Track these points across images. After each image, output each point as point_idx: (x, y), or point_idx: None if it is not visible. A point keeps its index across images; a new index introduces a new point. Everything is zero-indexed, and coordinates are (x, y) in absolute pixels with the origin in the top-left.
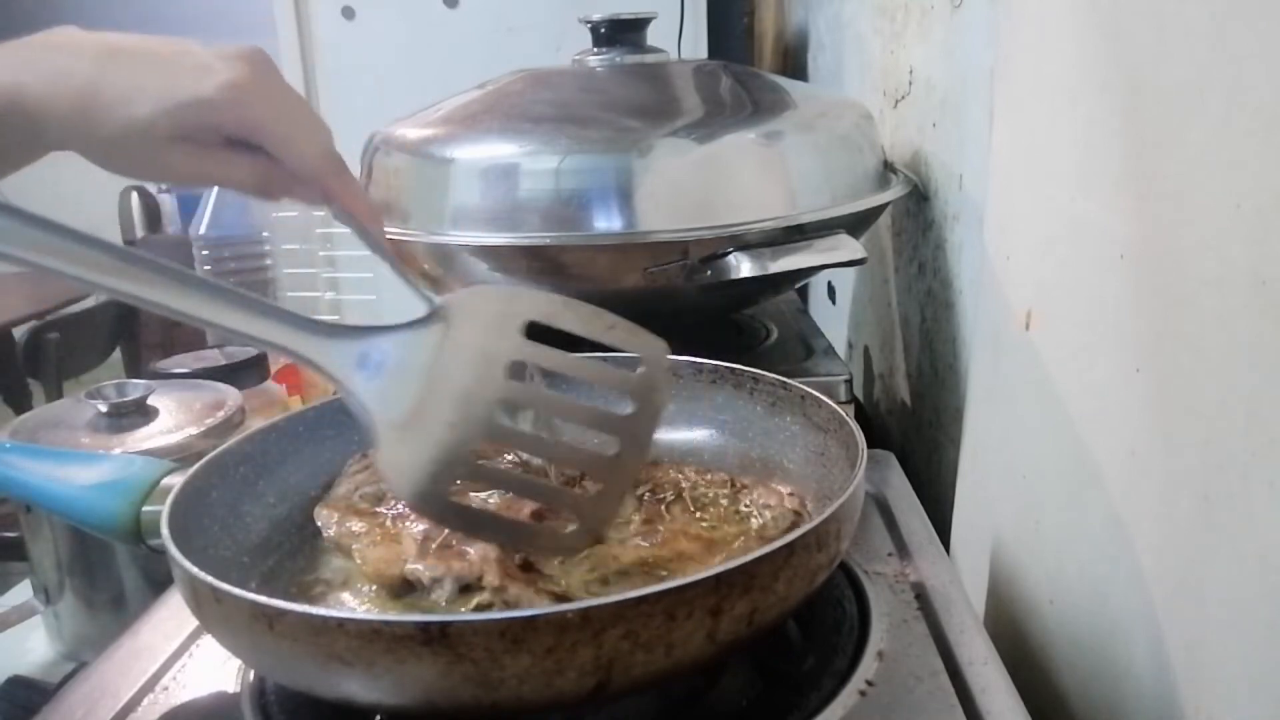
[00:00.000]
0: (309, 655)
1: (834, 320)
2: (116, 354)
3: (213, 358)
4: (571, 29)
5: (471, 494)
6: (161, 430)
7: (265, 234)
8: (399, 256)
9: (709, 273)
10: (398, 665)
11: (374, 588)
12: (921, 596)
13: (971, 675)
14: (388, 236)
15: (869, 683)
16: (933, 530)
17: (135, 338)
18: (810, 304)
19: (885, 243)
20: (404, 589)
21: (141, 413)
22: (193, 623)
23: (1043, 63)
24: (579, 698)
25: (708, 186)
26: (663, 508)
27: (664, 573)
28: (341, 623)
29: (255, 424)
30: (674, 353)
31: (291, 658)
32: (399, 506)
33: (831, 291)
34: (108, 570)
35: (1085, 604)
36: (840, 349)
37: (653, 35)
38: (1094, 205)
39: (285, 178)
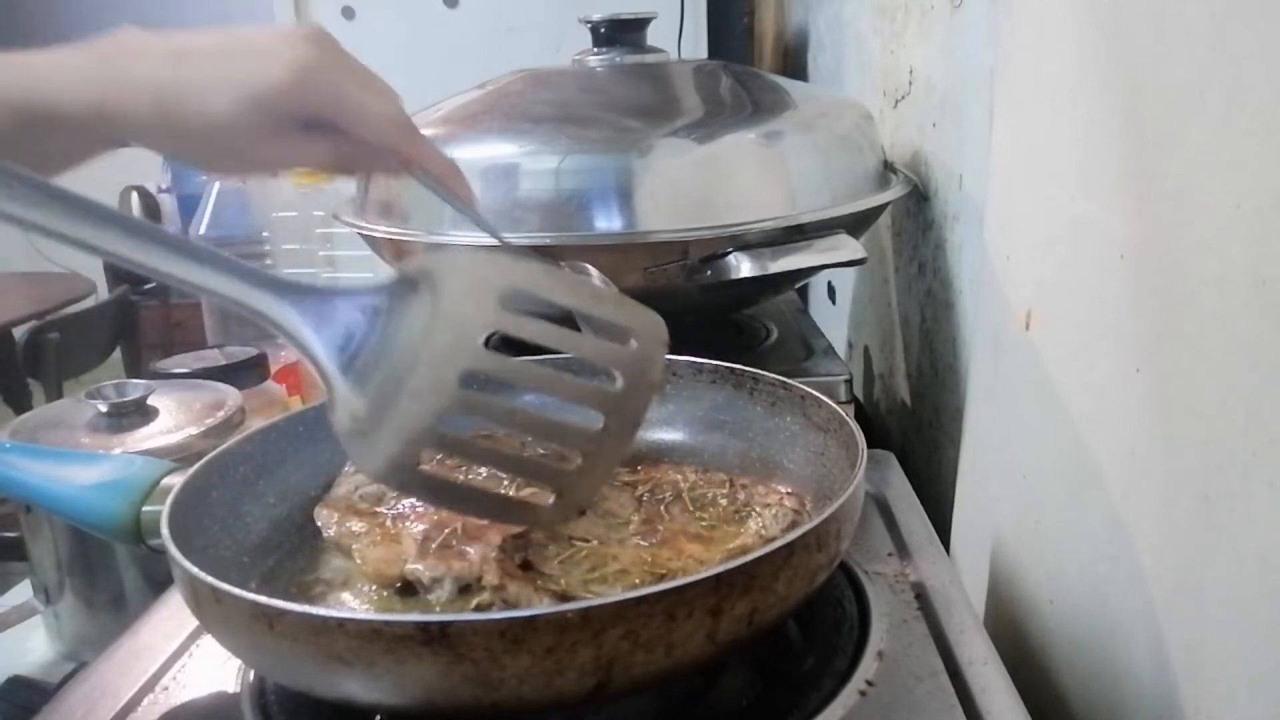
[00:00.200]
0: (309, 655)
1: (834, 320)
2: (116, 354)
3: (213, 358)
4: (571, 29)
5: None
6: (161, 430)
7: (265, 234)
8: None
9: (709, 273)
10: (398, 665)
11: (374, 588)
12: (921, 596)
13: (971, 675)
14: (388, 235)
15: (869, 683)
16: (933, 530)
17: (135, 338)
18: (810, 304)
19: (885, 243)
20: (404, 589)
21: (141, 413)
22: (193, 623)
23: (1043, 63)
24: (579, 698)
25: (708, 186)
26: (662, 508)
27: (663, 572)
28: (341, 623)
29: (255, 424)
30: (674, 353)
31: (291, 658)
32: (399, 506)
33: (831, 291)
34: (108, 570)
35: (1085, 604)
36: (840, 349)
37: (653, 35)
38: (1094, 205)
39: (363, 152)
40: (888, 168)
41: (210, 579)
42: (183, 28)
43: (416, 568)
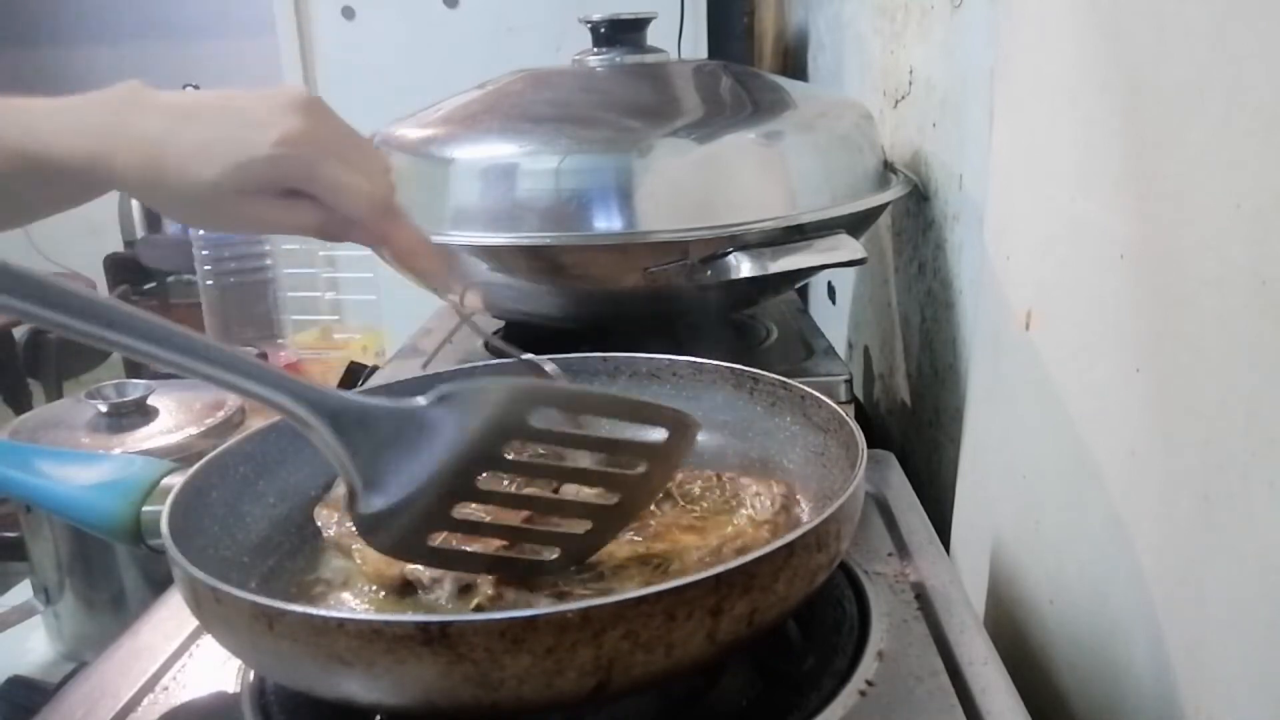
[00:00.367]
0: (309, 655)
1: (834, 320)
2: (116, 354)
3: None
4: (571, 29)
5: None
6: (161, 430)
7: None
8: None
9: (709, 273)
10: (398, 665)
11: (374, 588)
12: (921, 596)
13: (971, 675)
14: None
15: (869, 683)
16: (933, 530)
17: None
18: (810, 304)
19: (885, 243)
20: (404, 589)
21: (141, 413)
22: (193, 623)
23: (1043, 63)
24: (579, 698)
25: (708, 186)
26: (652, 504)
27: (658, 561)
28: (341, 623)
29: (255, 424)
30: (674, 352)
31: (291, 658)
32: None
33: (831, 291)
34: (108, 570)
35: (1085, 604)
36: (840, 349)
37: (653, 35)
38: (1094, 205)
39: (342, 222)
40: (888, 168)
41: (210, 579)
42: (184, 25)
43: (416, 568)
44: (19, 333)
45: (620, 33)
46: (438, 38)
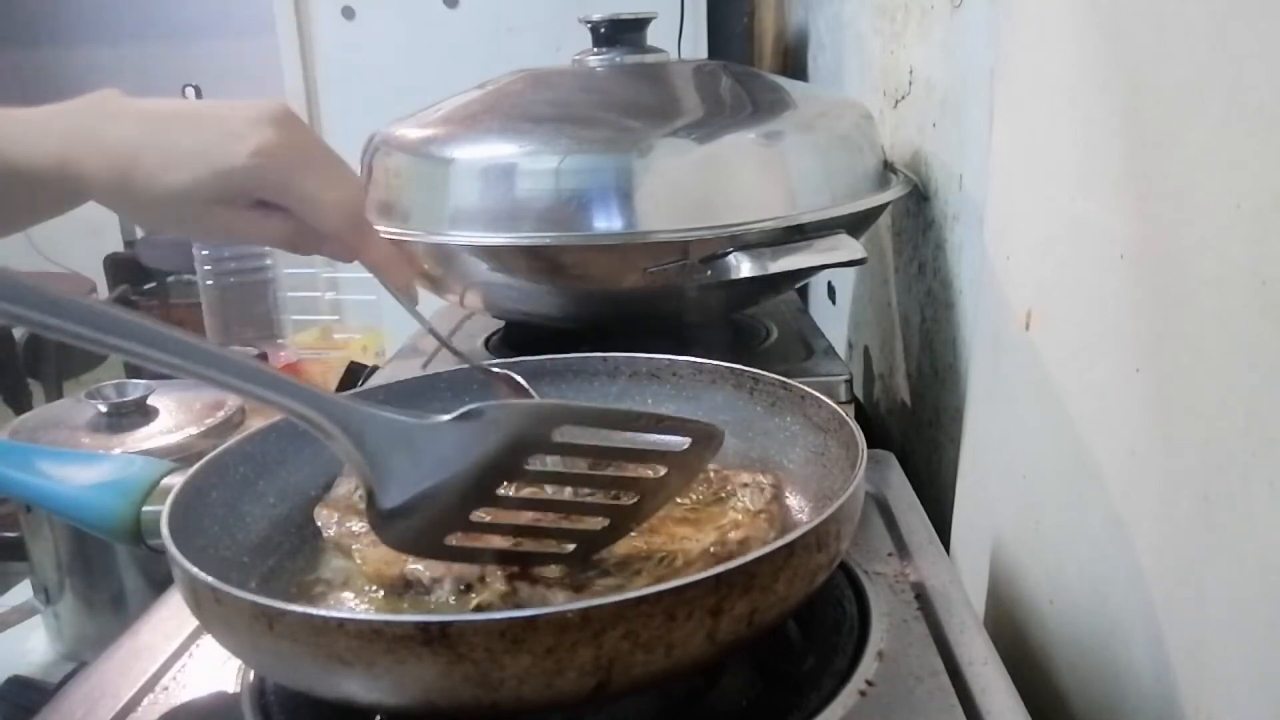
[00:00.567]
0: (309, 655)
1: (834, 320)
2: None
3: None
4: (571, 29)
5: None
6: (161, 430)
7: None
8: (403, 267)
9: (709, 273)
10: (398, 665)
11: (374, 588)
12: (921, 596)
13: (971, 675)
14: (388, 235)
15: (869, 683)
16: (933, 530)
17: None
18: (810, 304)
19: (885, 243)
20: (404, 589)
21: (141, 413)
22: (193, 623)
23: (1043, 63)
24: (579, 698)
25: (708, 186)
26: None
27: (663, 555)
28: (341, 623)
29: (255, 424)
30: (674, 352)
31: (291, 658)
32: None
33: (831, 291)
34: (108, 570)
35: (1085, 604)
36: (840, 349)
37: (653, 35)
38: (1094, 205)
39: (313, 234)
40: (888, 168)
41: (210, 579)
42: (184, 25)
43: (416, 568)
44: (19, 333)
45: (620, 33)
46: (438, 38)
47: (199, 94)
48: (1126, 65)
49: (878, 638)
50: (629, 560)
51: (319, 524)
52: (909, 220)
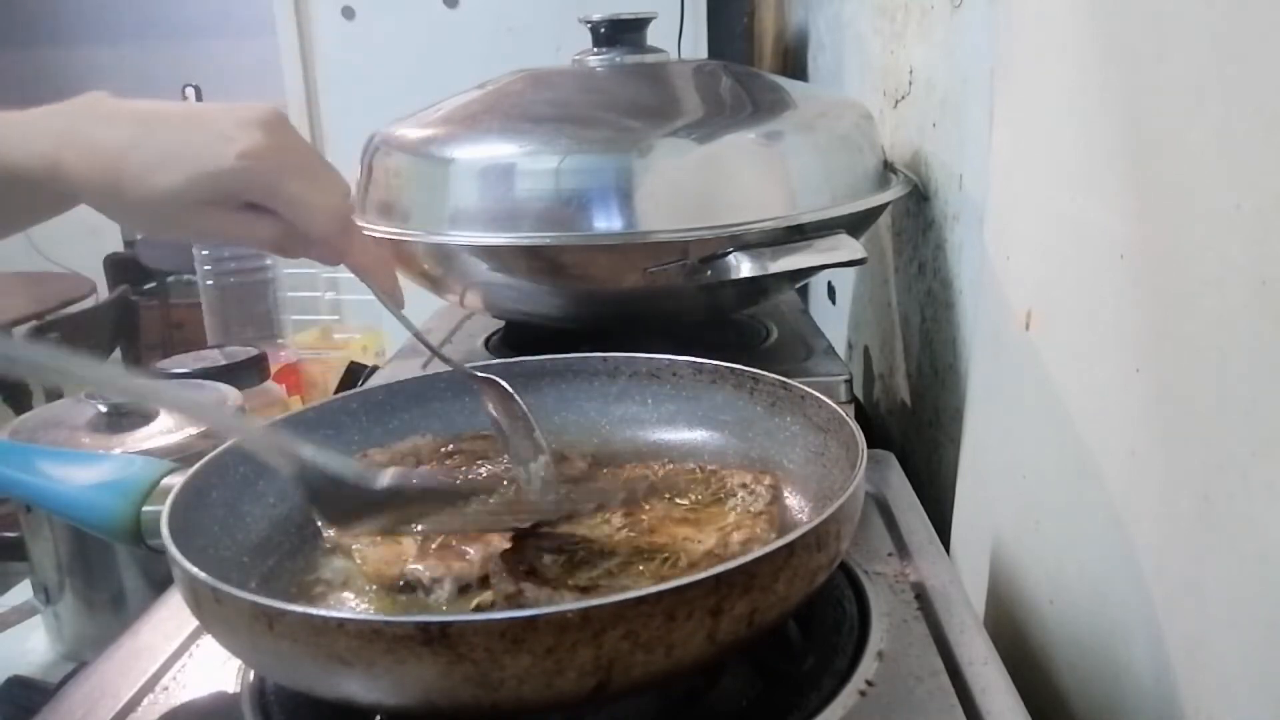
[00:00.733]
0: (309, 655)
1: (834, 320)
2: (116, 354)
3: (213, 358)
4: (571, 29)
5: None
6: (161, 430)
7: None
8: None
9: (709, 273)
10: (398, 665)
11: (374, 588)
12: (921, 596)
13: (971, 675)
14: (388, 235)
15: (869, 683)
16: (933, 530)
17: (135, 338)
18: (810, 304)
19: (885, 243)
20: (404, 589)
21: (141, 413)
22: (193, 623)
23: (1043, 63)
24: (579, 698)
25: (708, 186)
26: (640, 499)
27: (665, 555)
28: (341, 623)
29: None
30: (674, 352)
31: (291, 658)
32: None
33: (831, 291)
34: (108, 570)
35: (1085, 604)
36: (840, 349)
37: (653, 35)
38: (1094, 205)
39: (300, 237)
40: (888, 168)
41: (210, 579)
42: (184, 25)
43: (416, 568)
44: (19, 333)
45: (620, 33)
46: (438, 38)
47: (199, 94)
48: (1126, 65)
49: (878, 638)
50: (632, 561)
51: (319, 524)
52: (909, 220)
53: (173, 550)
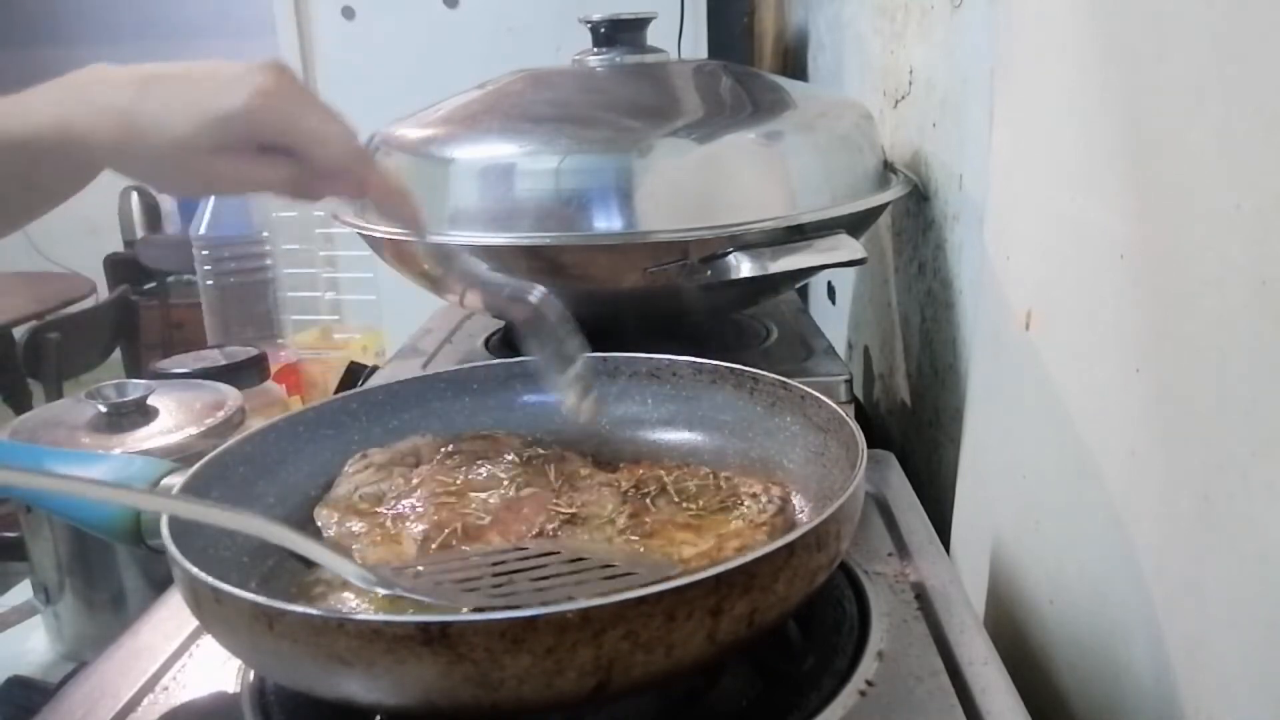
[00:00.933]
0: (309, 655)
1: (834, 320)
2: (116, 354)
3: (213, 358)
4: (571, 29)
5: (472, 493)
6: (161, 430)
7: (265, 234)
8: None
9: (709, 273)
10: (398, 665)
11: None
12: (921, 596)
13: (971, 675)
14: (388, 235)
15: (869, 683)
16: (933, 530)
17: (135, 338)
18: (810, 304)
19: (885, 243)
20: None
21: (141, 413)
22: (193, 623)
23: (1043, 63)
24: (579, 698)
25: (708, 186)
26: (648, 501)
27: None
28: (342, 623)
29: (255, 424)
30: (674, 352)
31: (292, 658)
32: (399, 507)
33: (831, 291)
34: (108, 570)
35: (1085, 604)
36: (840, 349)
37: (653, 35)
38: (1094, 205)
39: (319, 177)
40: (888, 168)
41: (211, 579)
42: (184, 25)
43: (416, 568)
44: (19, 333)
45: (620, 33)
46: (438, 38)
47: None
48: (1126, 65)
49: (878, 638)
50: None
51: (319, 524)
52: (909, 220)
53: (173, 550)
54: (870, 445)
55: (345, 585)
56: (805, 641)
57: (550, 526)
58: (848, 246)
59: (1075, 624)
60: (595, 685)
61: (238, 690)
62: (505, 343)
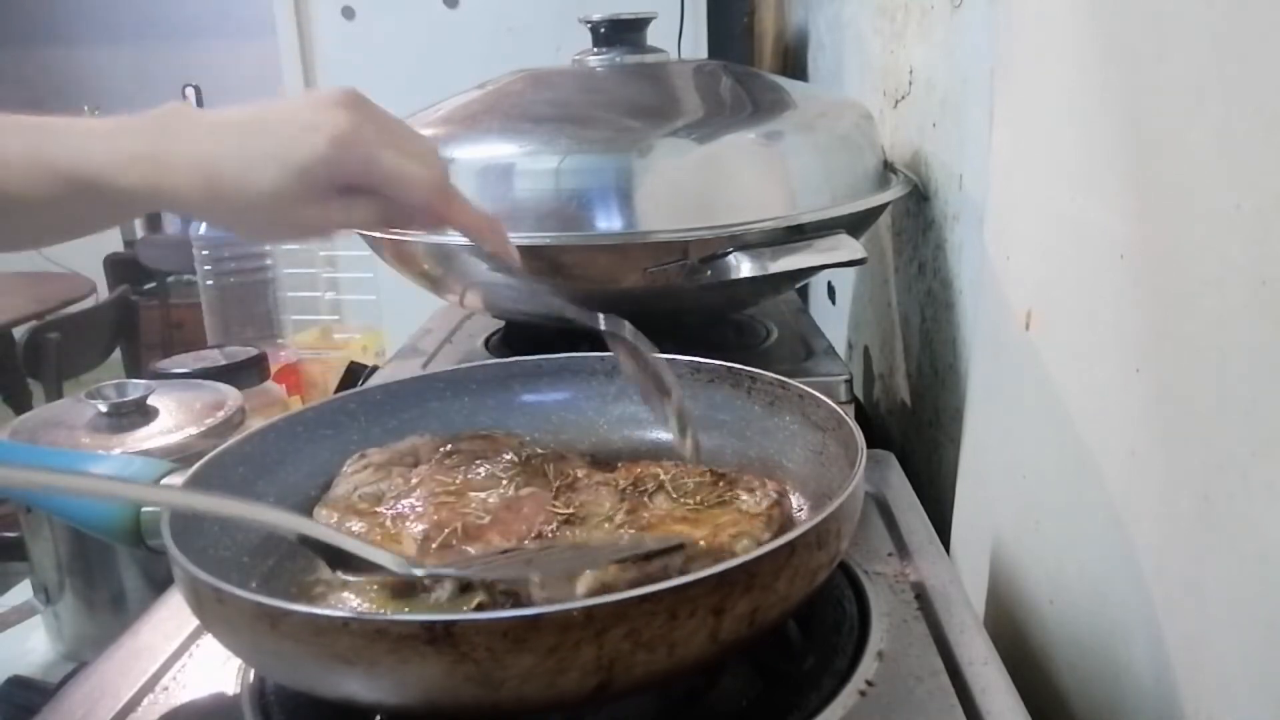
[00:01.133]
0: (311, 655)
1: (834, 320)
2: (116, 354)
3: (213, 358)
4: (571, 29)
5: (471, 493)
6: (161, 430)
7: None
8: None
9: (709, 273)
10: (401, 665)
11: (374, 587)
12: (921, 596)
13: (971, 675)
14: (388, 236)
15: (869, 683)
16: (933, 530)
17: (135, 338)
18: (810, 304)
19: (885, 243)
20: (403, 588)
21: (141, 413)
22: (193, 623)
23: (1043, 63)
24: (581, 697)
25: (708, 186)
26: (646, 498)
27: None
28: (346, 622)
29: (255, 424)
30: (674, 352)
31: (294, 657)
32: (399, 506)
33: (831, 291)
34: (108, 570)
35: (1085, 604)
36: (840, 349)
37: (653, 35)
38: (1094, 205)
39: (402, 211)
40: (888, 168)
41: (212, 579)
42: (184, 25)
43: None
44: (19, 333)
45: (620, 33)
46: (438, 38)
47: (199, 94)
48: (1126, 65)
49: (878, 638)
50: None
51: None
52: (909, 220)
53: (174, 551)
54: (870, 445)
55: (345, 585)
56: (805, 641)
57: (548, 528)
58: (848, 246)
59: (1075, 624)
60: (597, 684)
61: (238, 690)
62: (505, 343)
